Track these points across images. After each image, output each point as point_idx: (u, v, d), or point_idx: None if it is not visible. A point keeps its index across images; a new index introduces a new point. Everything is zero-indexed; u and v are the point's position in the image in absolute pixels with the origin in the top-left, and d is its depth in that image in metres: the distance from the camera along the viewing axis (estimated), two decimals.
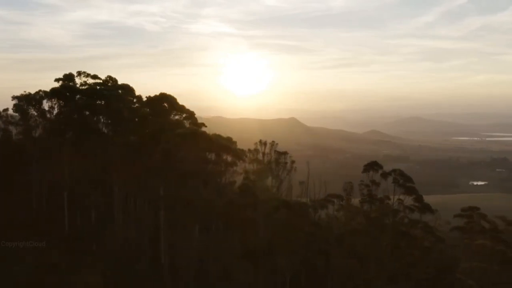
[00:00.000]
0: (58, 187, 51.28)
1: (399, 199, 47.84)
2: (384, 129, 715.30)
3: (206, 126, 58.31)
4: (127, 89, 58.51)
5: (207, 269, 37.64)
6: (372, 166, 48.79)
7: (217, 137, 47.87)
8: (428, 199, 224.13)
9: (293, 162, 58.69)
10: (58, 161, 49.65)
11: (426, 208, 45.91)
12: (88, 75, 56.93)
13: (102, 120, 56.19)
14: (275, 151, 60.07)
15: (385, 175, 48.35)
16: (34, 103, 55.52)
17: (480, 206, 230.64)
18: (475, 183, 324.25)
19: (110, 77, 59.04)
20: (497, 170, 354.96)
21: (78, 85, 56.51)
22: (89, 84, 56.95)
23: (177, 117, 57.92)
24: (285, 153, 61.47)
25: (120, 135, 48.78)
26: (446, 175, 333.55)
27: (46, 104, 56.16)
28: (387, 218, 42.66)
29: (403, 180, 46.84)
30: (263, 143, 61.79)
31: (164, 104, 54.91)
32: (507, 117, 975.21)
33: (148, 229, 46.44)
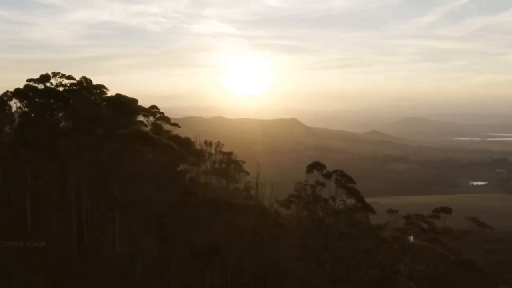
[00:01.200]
0: (22, 188, 51.50)
1: (342, 200, 46.84)
2: (384, 129, 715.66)
3: (179, 127, 59.14)
4: (102, 89, 59.03)
5: (147, 270, 37.88)
6: (315, 166, 48.41)
7: (174, 137, 48.29)
8: (427, 199, 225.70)
9: (243, 162, 59.17)
10: (21, 162, 50.01)
11: (367, 209, 45.60)
12: (63, 75, 57.65)
13: (62, 121, 56.54)
14: (220, 151, 60.58)
15: (327, 175, 48.09)
16: (1, 104, 55.47)
17: (479, 206, 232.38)
18: (474, 183, 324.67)
19: (84, 78, 59.85)
20: (497, 170, 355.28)
21: (53, 86, 56.96)
22: (64, 85, 57.49)
23: (151, 118, 58.71)
24: (230, 153, 61.98)
25: (78, 135, 48.97)
26: (446, 175, 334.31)
27: (14, 105, 55.99)
28: (328, 219, 42.45)
29: (344, 181, 46.81)
30: (208, 144, 62.34)
31: (129, 104, 55.18)
32: (508, 117, 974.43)
33: (96, 227, 47.27)
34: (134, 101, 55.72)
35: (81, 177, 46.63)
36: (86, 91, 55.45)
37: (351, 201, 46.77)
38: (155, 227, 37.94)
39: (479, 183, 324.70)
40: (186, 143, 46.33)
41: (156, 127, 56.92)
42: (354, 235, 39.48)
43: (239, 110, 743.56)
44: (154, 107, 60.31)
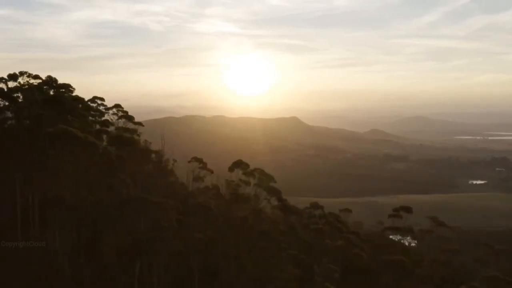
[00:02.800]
0: None
1: (266, 198, 46.14)
2: (386, 128, 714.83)
3: (143, 126, 59.18)
4: (68, 89, 59.35)
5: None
6: (239, 164, 48.08)
7: (117, 137, 48.20)
8: (425, 198, 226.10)
9: (174, 161, 58.94)
10: None
11: (287, 208, 45.34)
12: (30, 75, 58.36)
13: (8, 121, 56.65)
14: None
15: (248, 173, 47.73)
16: None
17: (478, 205, 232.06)
18: (474, 182, 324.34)
19: (50, 77, 60.52)
20: (497, 169, 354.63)
21: (20, 85, 57.51)
22: (31, 84, 57.99)
23: (112, 117, 59.15)
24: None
25: (19, 134, 49.09)
26: (446, 175, 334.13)
27: None
28: (251, 218, 41.98)
29: (265, 180, 46.49)
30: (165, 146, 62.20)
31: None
32: (510, 116, 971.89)
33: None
34: (77, 100, 55.64)
35: (18, 175, 46.78)
36: (39, 91, 55.80)
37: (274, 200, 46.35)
38: (78, 225, 37.93)
39: (479, 182, 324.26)
40: (130, 143, 46.11)
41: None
42: (275, 234, 39.12)
43: (241, 109, 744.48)
44: (117, 105, 60.73)
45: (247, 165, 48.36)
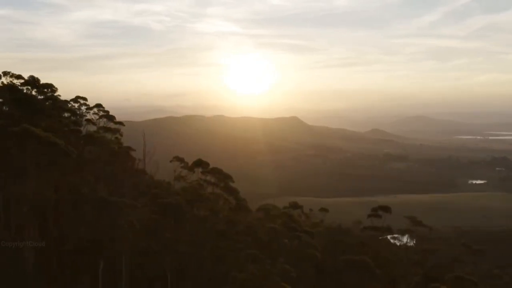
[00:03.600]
0: None
1: (225, 197, 45.69)
2: (387, 128, 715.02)
3: (124, 125, 59.34)
4: (50, 89, 59.58)
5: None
6: (199, 164, 47.13)
7: (89, 137, 48.27)
8: (424, 198, 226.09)
9: (149, 159, 57.81)
10: None
11: (241, 208, 44.97)
12: (13, 75, 58.72)
13: None
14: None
15: (205, 173, 45.86)
16: None
17: (476, 205, 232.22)
18: (474, 182, 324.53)
19: (32, 77, 60.85)
20: (497, 169, 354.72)
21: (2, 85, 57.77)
22: (13, 84, 58.21)
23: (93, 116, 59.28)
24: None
25: None
26: (446, 174, 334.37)
27: None
28: (210, 218, 41.82)
29: (222, 179, 45.83)
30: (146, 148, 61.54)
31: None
32: (510, 116, 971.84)
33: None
34: (51, 99, 55.68)
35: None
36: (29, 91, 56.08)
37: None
38: (42, 224, 37.83)
39: (479, 182, 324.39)
40: (102, 143, 46.35)
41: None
42: (233, 234, 39.11)
43: (241, 109, 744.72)
44: (98, 105, 60.93)
45: (207, 164, 48.06)
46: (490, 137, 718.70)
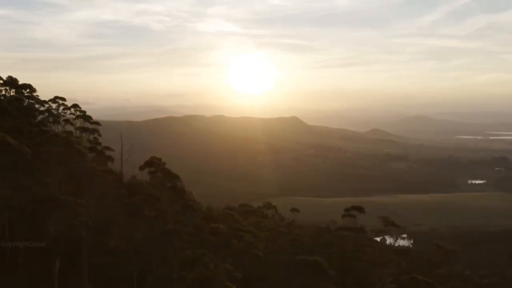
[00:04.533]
0: None
1: (173, 197, 45.60)
2: (387, 128, 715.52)
3: (100, 125, 58.90)
4: (29, 89, 59.70)
5: None
6: (151, 163, 46.35)
7: (52, 137, 48.35)
8: (423, 198, 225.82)
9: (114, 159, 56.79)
10: None
11: (188, 207, 45.22)
12: None
13: None
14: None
15: (151, 172, 46.03)
16: None
17: (476, 205, 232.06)
18: (473, 182, 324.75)
19: (10, 77, 61.05)
20: (496, 169, 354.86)
21: None
22: None
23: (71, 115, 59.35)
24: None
25: None
26: (446, 174, 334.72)
27: None
28: (159, 219, 42.01)
29: (168, 178, 45.93)
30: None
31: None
32: (511, 116, 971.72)
33: None
34: (17, 100, 55.84)
35: None
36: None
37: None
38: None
39: (478, 182, 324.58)
40: (67, 143, 46.43)
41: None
42: (181, 234, 39.32)
43: (241, 109, 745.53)
44: (75, 105, 60.97)
45: (159, 164, 48.25)
46: (490, 137, 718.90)
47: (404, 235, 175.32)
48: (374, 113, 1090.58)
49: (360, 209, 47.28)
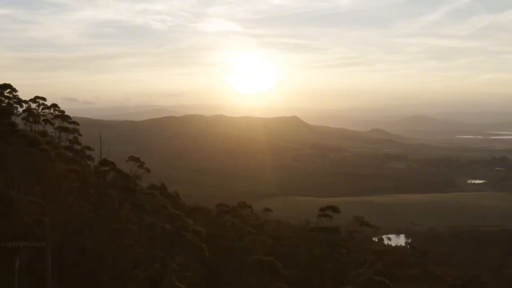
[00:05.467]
0: None
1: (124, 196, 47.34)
2: (388, 128, 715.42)
3: (78, 125, 59.16)
4: (10, 89, 59.68)
5: None
6: (104, 163, 47.74)
7: (21, 136, 48.62)
8: (421, 198, 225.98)
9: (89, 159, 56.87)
10: None
11: (139, 207, 45.78)
12: None
13: None
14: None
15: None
16: None
17: (474, 204, 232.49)
18: (473, 182, 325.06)
19: None
20: (496, 168, 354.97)
21: None
22: None
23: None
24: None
25: None
26: (445, 174, 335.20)
27: None
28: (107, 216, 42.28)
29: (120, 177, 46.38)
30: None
31: None
32: None
33: None
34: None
35: None
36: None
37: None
38: None
39: (477, 181, 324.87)
40: (32, 143, 46.95)
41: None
42: (131, 232, 39.62)
43: (243, 108, 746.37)
44: (54, 105, 61.19)
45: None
46: (491, 137, 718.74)
47: (402, 235, 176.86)
48: (375, 112, 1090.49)
49: (335, 209, 47.02)
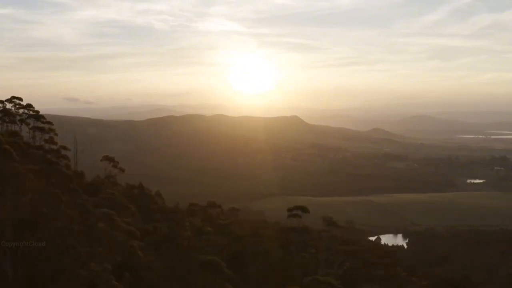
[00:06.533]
0: None
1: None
2: (388, 127, 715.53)
3: (52, 124, 59.24)
4: None
5: None
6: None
7: None
8: (420, 197, 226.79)
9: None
10: None
11: (84, 207, 46.14)
12: None
13: None
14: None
15: None
16: None
17: (473, 204, 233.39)
18: (472, 181, 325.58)
19: None
20: (495, 168, 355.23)
21: None
22: None
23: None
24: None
25: None
26: (445, 174, 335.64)
27: None
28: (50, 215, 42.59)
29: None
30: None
31: None
32: None
33: None
34: None
35: None
36: None
37: None
38: None
39: (477, 181, 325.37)
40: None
41: None
42: (74, 230, 39.77)
43: (243, 108, 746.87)
44: (29, 105, 61.43)
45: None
46: (492, 136, 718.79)
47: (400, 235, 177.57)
48: (376, 112, 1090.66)
49: (304, 209, 47.17)
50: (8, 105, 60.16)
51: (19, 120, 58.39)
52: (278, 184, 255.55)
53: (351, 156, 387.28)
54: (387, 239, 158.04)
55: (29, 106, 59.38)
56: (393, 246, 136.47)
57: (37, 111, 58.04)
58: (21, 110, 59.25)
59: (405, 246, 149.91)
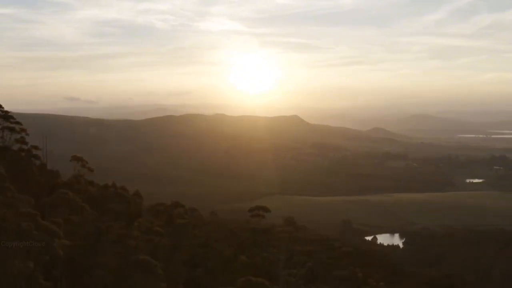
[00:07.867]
0: None
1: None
2: (389, 126, 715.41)
3: (21, 124, 59.28)
4: None
5: None
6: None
7: None
8: (419, 197, 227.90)
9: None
10: None
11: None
12: None
13: None
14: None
15: None
16: None
17: (472, 203, 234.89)
18: (471, 181, 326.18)
19: None
20: (495, 168, 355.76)
21: None
22: None
23: None
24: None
25: None
26: (444, 173, 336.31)
27: None
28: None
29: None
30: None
31: None
32: None
33: None
34: None
35: None
36: None
37: None
38: None
39: (476, 180, 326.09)
40: None
41: None
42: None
43: (244, 107, 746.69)
44: None
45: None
46: (492, 136, 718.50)
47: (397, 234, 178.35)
48: (377, 111, 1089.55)
49: (265, 209, 47.73)
50: None
51: None
52: (278, 183, 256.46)
53: (351, 156, 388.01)
54: (384, 239, 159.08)
55: None
56: (388, 245, 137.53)
57: (6, 111, 57.89)
58: None
59: (401, 246, 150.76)
